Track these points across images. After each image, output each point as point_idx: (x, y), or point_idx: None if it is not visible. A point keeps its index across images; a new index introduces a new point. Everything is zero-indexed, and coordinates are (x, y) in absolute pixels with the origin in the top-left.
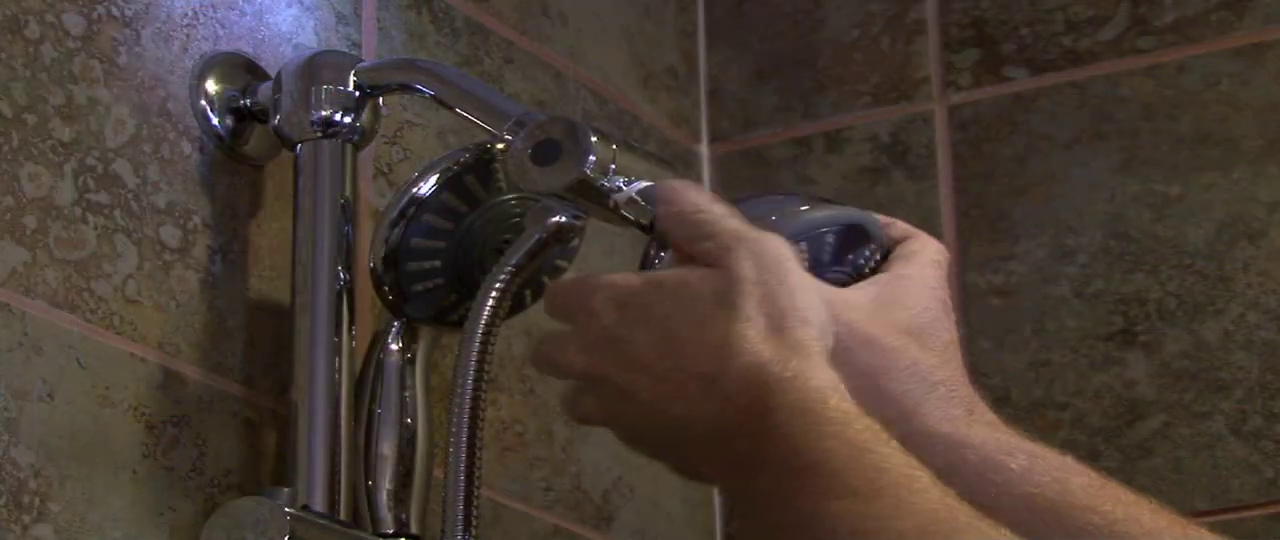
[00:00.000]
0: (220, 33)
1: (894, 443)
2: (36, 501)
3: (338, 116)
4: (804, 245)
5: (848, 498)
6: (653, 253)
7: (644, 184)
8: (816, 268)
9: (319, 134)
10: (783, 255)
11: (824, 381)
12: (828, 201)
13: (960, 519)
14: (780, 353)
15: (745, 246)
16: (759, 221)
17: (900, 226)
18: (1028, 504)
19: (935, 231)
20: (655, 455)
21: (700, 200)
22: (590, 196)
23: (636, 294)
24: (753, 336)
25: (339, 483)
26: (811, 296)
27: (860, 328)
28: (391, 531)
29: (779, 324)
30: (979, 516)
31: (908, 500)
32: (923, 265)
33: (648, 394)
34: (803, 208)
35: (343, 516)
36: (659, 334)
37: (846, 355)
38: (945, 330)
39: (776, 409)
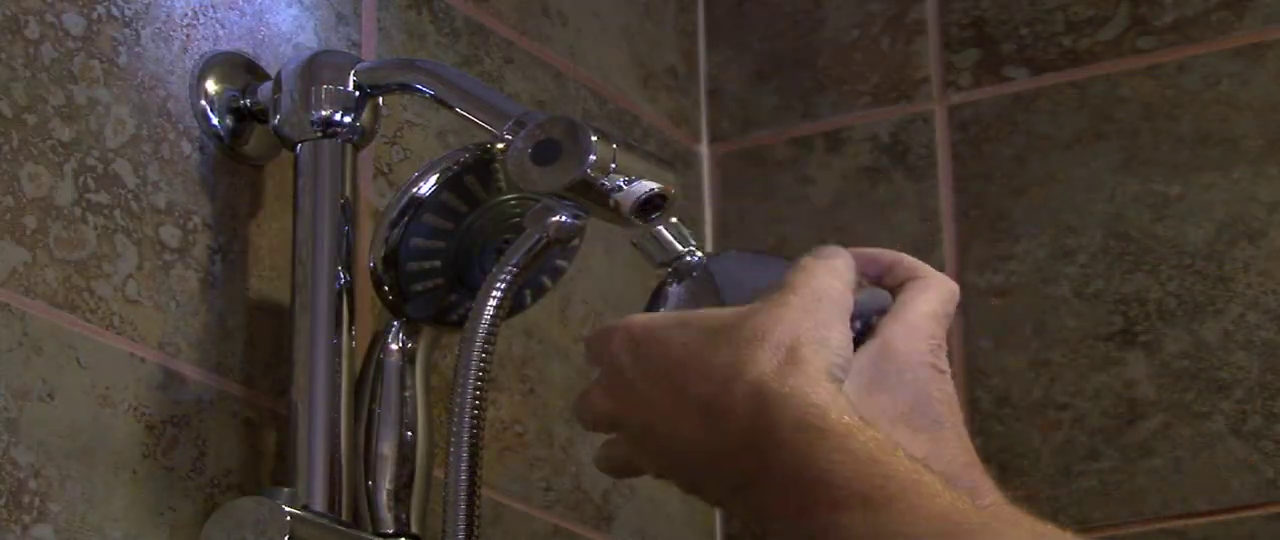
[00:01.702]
0: (220, 33)
1: (900, 451)
2: (36, 501)
3: (338, 116)
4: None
5: (859, 508)
6: (668, 286)
7: (646, 184)
8: None
9: (319, 134)
10: (825, 290)
11: (823, 397)
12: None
13: (973, 520)
14: (779, 369)
15: (805, 280)
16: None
17: (905, 265)
18: None
19: (935, 232)
20: (685, 488)
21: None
22: (590, 196)
23: (652, 331)
24: (758, 356)
25: (339, 483)
26: (833, 332)
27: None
28: (392, 531)
29: (789, 344)
30: (992, 517)
31: (919, 505)
32: (916, 323)
33: (659, 427)
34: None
35: (343, 516)
36: (666, 367)
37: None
38: (938, 401)
39: (778, 425)
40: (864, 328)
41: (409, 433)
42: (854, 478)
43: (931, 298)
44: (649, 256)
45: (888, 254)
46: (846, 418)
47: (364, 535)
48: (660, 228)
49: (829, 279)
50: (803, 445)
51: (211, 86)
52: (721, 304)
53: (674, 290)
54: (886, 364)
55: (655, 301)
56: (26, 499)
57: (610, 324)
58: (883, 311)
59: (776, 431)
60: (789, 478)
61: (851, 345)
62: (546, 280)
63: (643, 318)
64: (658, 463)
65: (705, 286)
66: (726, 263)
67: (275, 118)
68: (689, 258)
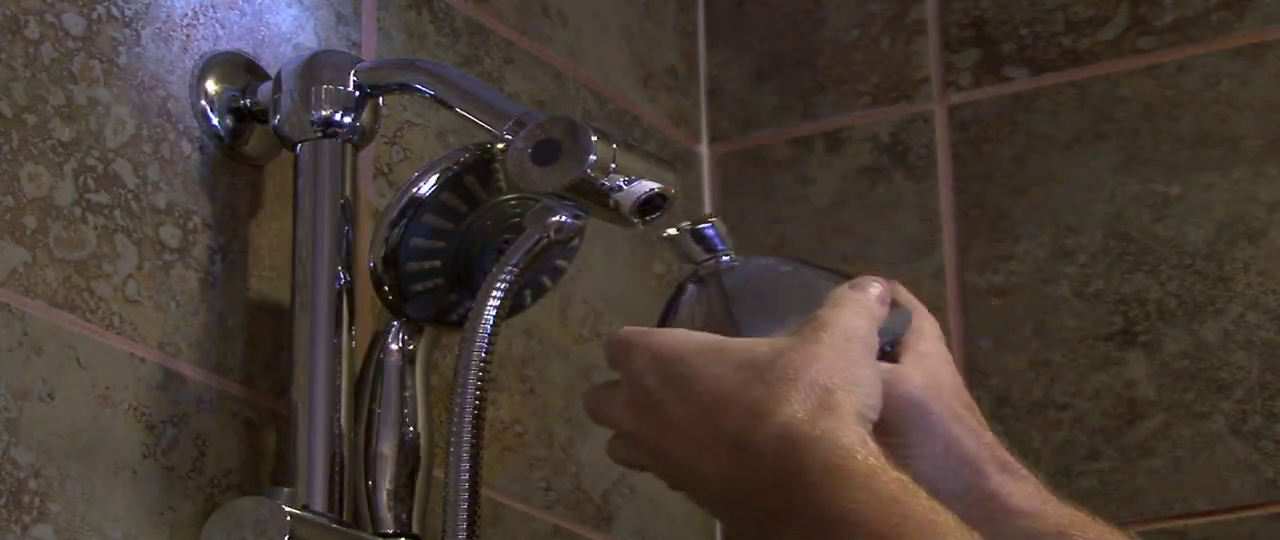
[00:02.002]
0: (220, 33)
1: (921, 493)
2: (36, 501)
3: (338, 116)
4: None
5: None
6: (686, 285)
7: (646, 184)
8: None
9: (319, 134)
10: (855, 330)
11: (852, 439)
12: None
13: None
14: (811, 413)
15: (837, 318)
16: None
17: (903, 293)
18: None
19: (935, 232)
20: (700, 505)
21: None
22: (590, 196)
23: (680, 356)
24: (791, 397)
25: (339, 483)
26: (864, 370)
27: (936, 399)
28: (392, 531)
29: (823, 385)
30: None
31: None
32: (934, 342)
33: (683, 455)
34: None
35: (343, 516)
36: (699, 398)
37: (936, 425)
38: (975, 404)
39: (807, 467)
40: (891, 345)
41: (409, 432)
42: (873, 518)
43: (932, 324)
44: (679, 255)
45: (885, 282)
46: (872, 460)
47: (364, 535)
48: (703, 227)
49: (857, 318)
50: (829, 486)
51: (211, 86)
52: (729, 314)
53: (689, 291)
54: (934, 364)
55: (673, 301)
56: (26, 499)
57: (632, 334)
58: (904, 329)
59: (806, 473)
60: (814, 518)
61: (880, 384)
62: (546, 280)
63: (667, 338)
64: (677, 482)
65: (718, 293)
66: (749, 269)
67: (275, 118)
68: (712, 262)
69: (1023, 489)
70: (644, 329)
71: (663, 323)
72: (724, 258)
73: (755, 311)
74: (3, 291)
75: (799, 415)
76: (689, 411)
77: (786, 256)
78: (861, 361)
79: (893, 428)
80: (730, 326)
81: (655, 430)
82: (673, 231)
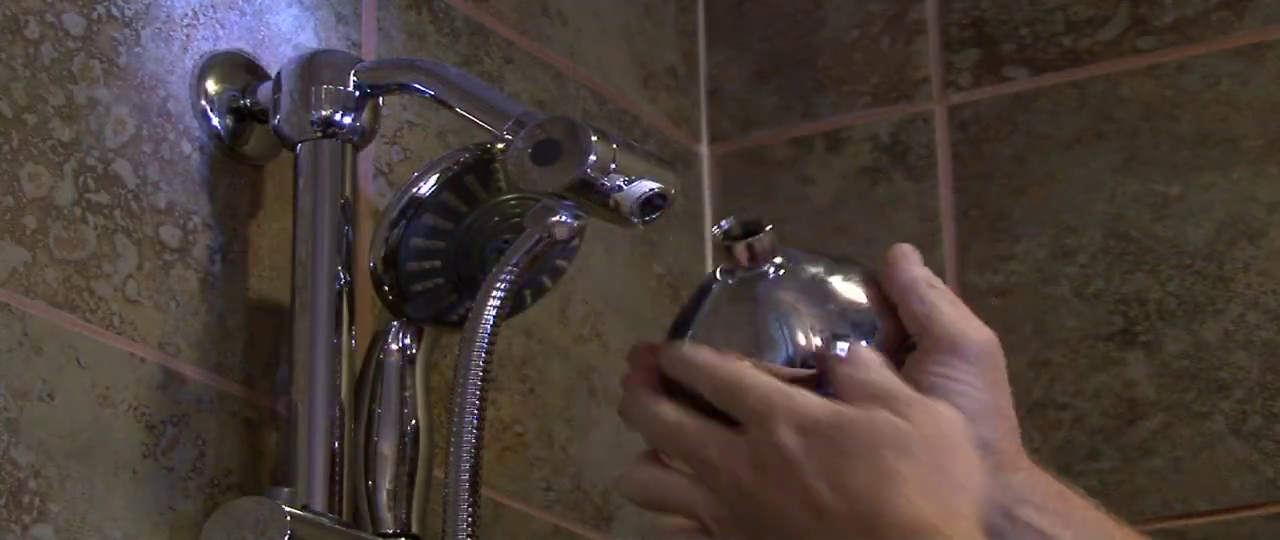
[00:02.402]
0: (220, 33)
1: None
2: (36, 501)
3: (338, 116)
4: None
5: None
6: (711, 285)
7: (646, 184)
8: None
9: (319, 134)
10: (956, 422)
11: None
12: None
13: None
14: (945, 511)
15: (926, 408)
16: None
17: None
18: None
19: (935, 232)
20: None
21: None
22: (590, 196)
23: (822, 425)
24: (924, 490)
25: (339, 483)
26: (978, 473)
27: (997, 360)
28: (392, 531)
29: (947, 485)
30: None
31: None
32: None
33: (804, 524)
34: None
35: (343, 516)
36: (835, 468)
37: (988, 378)
38: None
39: None
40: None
41: (409, 433)
42: None
43: None
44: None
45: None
46: None
47: (364, 535)
48: (761, 239)
49: (947, 409)
50: None
51: (211, 86)
52: (753, 324)
53: (715, 288)
54: None
55: (699, 298)
56: (26, 499)
57: (774, 392)
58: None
59: None
60: None
61: (985, 482)
62: (546, 280)
63: (807, 404)
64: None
65: (746, 297)
66: (792, 266)
67: (275, 118)
68: (752, 270)
69: (1025, 459)
70: (788, 389)
71: (687, 319)
72: (767, 267)
73: (796, 323)
74: (3, 291)
75: (930, 510)
76: (827, 485)
77: (839, 263)
78: (974, 458)
79: (958, 358)
80: (753, 345)
81: (785, 495)
82: (717, 233)
